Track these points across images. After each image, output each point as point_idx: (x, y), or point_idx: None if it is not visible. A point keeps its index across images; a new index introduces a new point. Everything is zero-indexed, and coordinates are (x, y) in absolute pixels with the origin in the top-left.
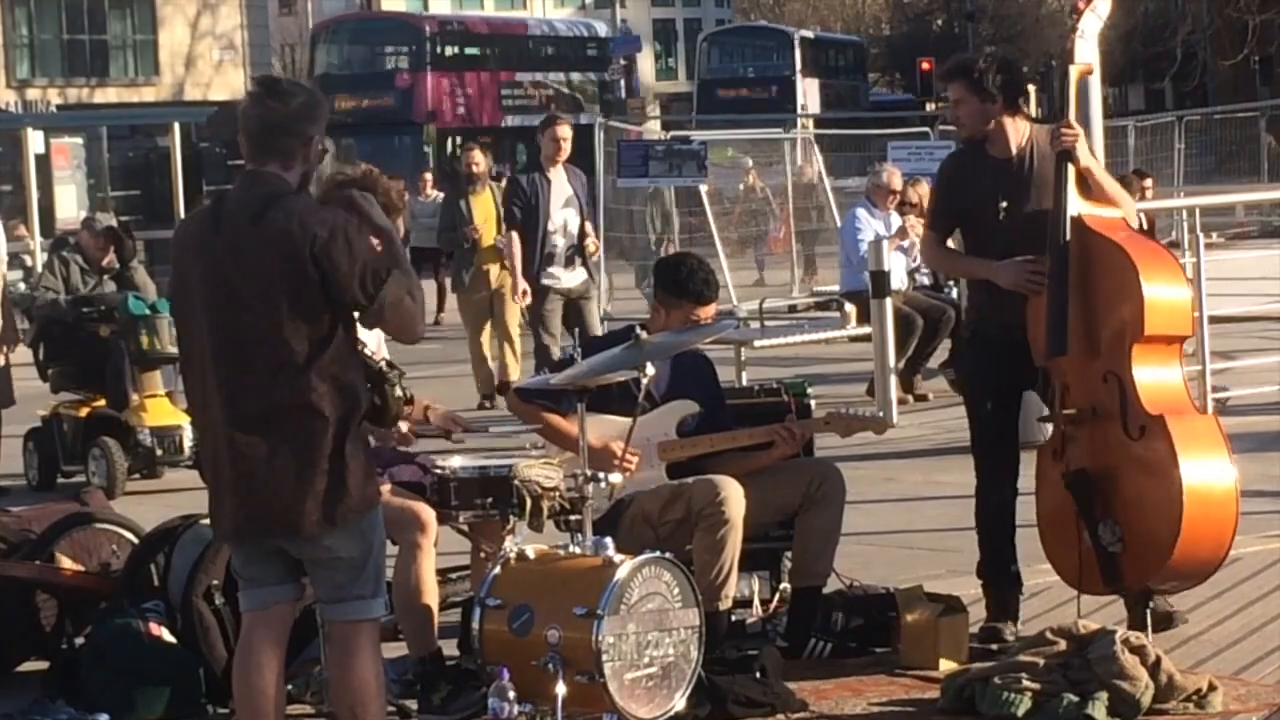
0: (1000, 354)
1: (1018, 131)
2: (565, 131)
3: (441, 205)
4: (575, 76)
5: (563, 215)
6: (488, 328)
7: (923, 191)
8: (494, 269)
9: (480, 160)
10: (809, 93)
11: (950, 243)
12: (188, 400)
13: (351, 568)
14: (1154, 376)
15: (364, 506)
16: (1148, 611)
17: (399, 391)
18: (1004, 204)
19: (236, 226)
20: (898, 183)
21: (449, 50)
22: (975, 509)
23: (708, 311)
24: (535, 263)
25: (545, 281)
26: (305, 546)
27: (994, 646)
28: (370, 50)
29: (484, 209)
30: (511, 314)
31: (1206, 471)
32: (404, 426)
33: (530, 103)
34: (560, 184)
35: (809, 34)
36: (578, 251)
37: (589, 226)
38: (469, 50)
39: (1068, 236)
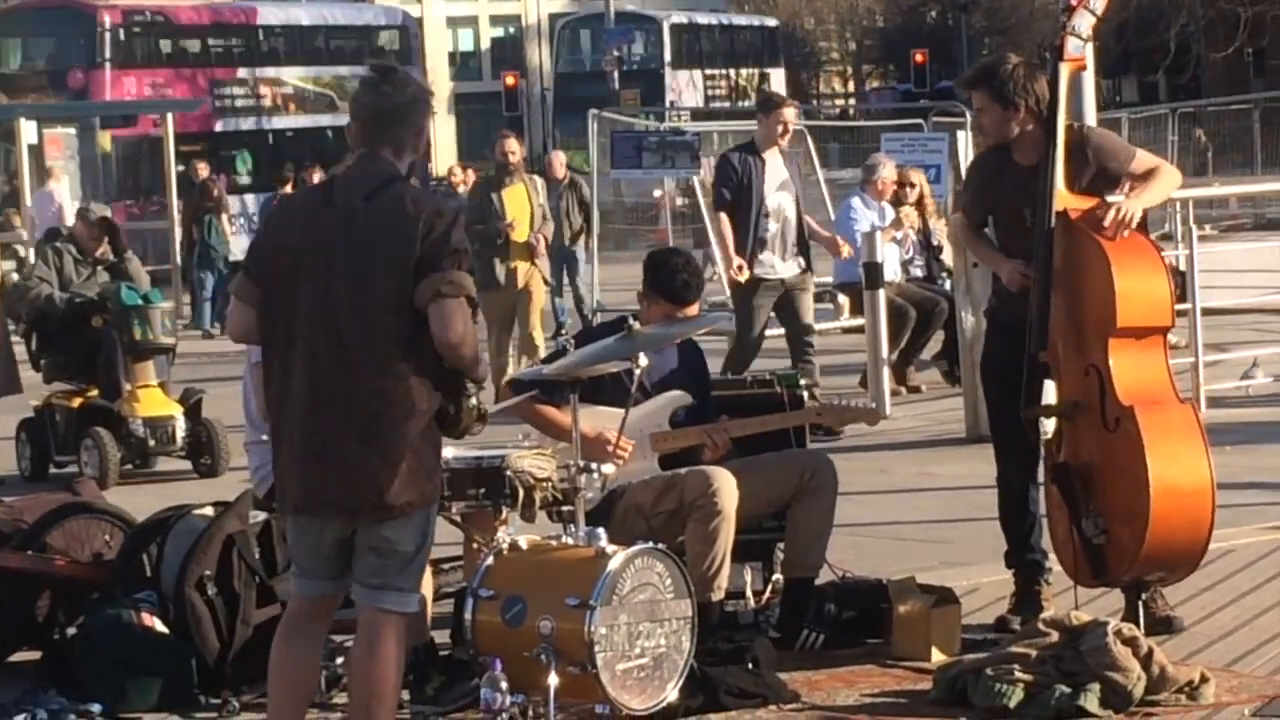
0: (1014, 341)
1: (1041, 139)
2: (792, 114)
3: (469, 196)
4: (327, 72)
5: (777, 199)
6: (513, 329)
7: (919, 179)
8: (523, 266)
9: (516, 149)
10: (683, 86)
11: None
12: (264, 372)
13: (402, 558)
14: (1132, 368)
15: (422, 501)
16: (1140, 604)
17: (473, 402)
18: (1028, 211)
19: (348, 203)
20: (891, 173)
21: (138, 44)
22: (998, 497)
23: (688, 312)
24: (748, 249)
25: (757, 271)
26: (364, 530)
27: (984, 637)
28: (44, 44)
29: (517, 202)
30: (536, 316)
31: (1176, 463)
32: None
33: (260, 103)
34: (775, 166)
35: (682, 20)
36: (797, 240)
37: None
38: (168, 44)
39: (1052, 232)
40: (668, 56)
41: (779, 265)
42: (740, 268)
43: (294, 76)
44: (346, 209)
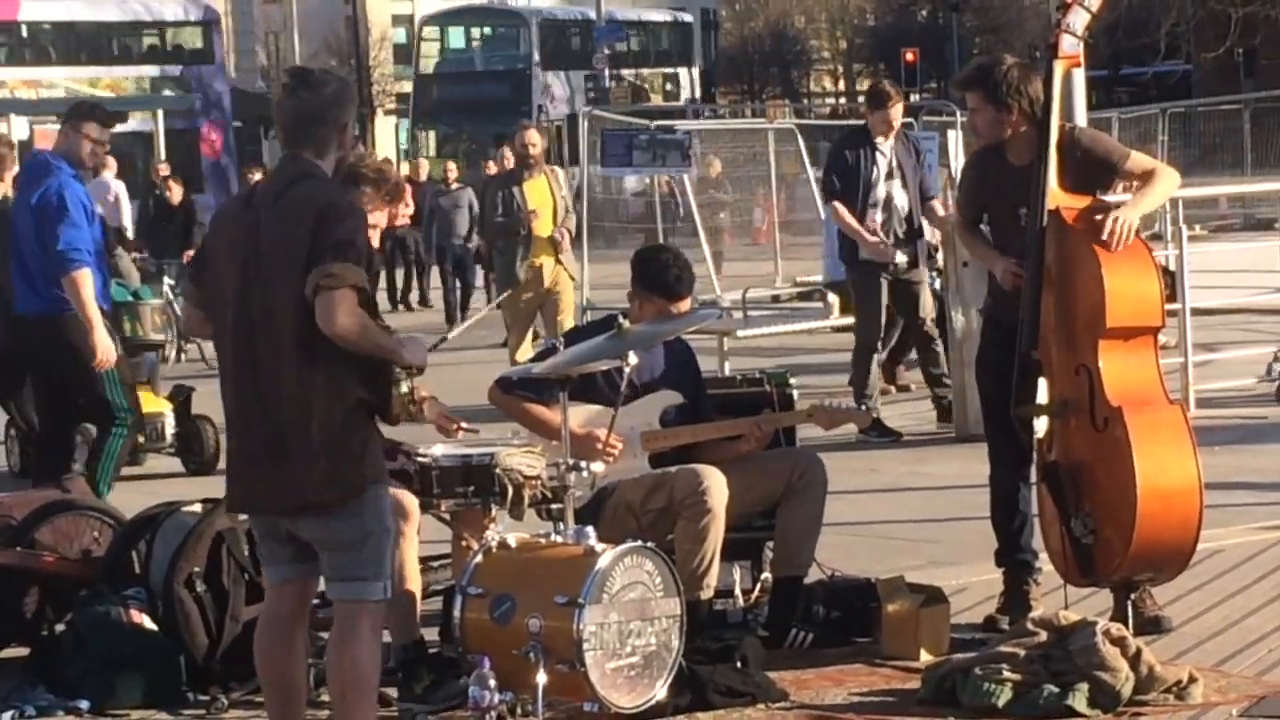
0: (1008, 339)
1: (1034, 139)
2: (899, 111)
3: (485, 191)
4: (111, 73)
5: (886, 188)
6: (530, 331)
7: None
8: (548, 263)
9: (537, 141)
10: (555, 88)
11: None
12: (220, 370)
13: (349, 549)
14: (1121, 369)
15: (348, 494)
16: (1129, 604)
17: (404, 388)
18: (1022, 210)
19: (262, 204)
20: None
21: None
22: (990, 495)
23: (681, 306)
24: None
25: (864, 256)
26: (302, 524)
27: (973, 636)
28: None
29: (539, 195)
30: (567, 315)
31: (1164, 463)
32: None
33: (25, 107)
34: (888, 154)
35: (553, 15)
36: (909, 229)
37: (939, 207)
38: None
39: (1044, 232)
40: (537, 56)
41: (889, 254)
42: (885, 245)
43: (68, 78)
44: (259, 211)
